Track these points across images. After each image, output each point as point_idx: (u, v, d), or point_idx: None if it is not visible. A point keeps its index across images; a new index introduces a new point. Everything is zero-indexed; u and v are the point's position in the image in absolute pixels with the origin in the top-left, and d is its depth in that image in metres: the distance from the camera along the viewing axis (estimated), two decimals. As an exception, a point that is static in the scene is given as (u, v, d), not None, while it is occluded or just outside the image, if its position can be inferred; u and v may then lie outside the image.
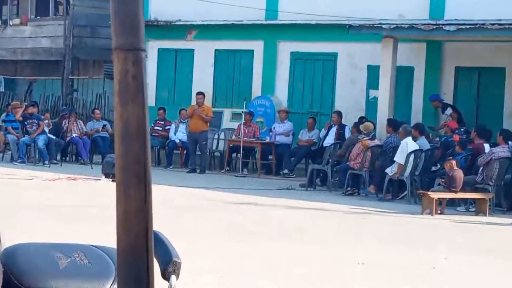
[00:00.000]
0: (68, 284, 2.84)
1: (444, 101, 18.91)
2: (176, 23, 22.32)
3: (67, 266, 2.89)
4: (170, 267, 2.88)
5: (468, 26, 17.41)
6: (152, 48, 22.90)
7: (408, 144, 16.14)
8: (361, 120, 18.56)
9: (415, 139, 16.74)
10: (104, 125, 22.08)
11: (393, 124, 17.33)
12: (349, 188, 16.90)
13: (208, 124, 20.38)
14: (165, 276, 2.89)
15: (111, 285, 2.86)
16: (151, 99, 23.00)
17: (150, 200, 1.65)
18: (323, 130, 19.56)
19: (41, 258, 2.91)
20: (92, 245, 3.07)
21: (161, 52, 22.89)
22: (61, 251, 2.97)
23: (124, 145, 1.61)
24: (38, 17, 28.29)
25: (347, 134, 18.75)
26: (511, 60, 18.75)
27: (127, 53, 1.63)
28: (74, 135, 21.40)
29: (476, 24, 17.43)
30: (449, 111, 18.60)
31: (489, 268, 9.35)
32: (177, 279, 2.90)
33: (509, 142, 15.76)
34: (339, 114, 19.48)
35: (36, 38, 28.01)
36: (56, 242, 3.18)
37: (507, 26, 17.04)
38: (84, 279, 2.88)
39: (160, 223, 10.12)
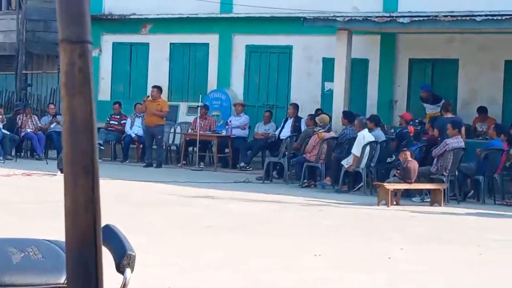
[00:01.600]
0: (22, 278, 2.83)
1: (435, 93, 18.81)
2: (131, 17, 22.21)
3: (21, 261, 2.88)
4: (124, 260, 2.88)
5: (421, 18, 17.55)
6: (107, 42, 22.78)
7: (365, 136, 16.24)
8: (317, 112, 18.64)
9: (371, 130, 16.86)
10: (55, 115, 21.79)
11: (348, 116, 17.43)
12: (305, 181, 16.97)
13: (164, 118, 20.32)
14: (120, 269, 2.90)
15: (66, 279, 2.85)
16: (106, 94, 22.89)
17: (97, 191, 1.66)
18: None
19: (-6, 254, 2.90)
20: (46, 240, 3.07)
21: (116, 46, 22.76)
22: (15, 246, 2.96)
23: (71, 137, 1.62)
24: (-10, 12, 27.98)
25: (303, 127, 18.81)
26: (464, 51, 18.97)
27: (74, 45, 1.63)
28: (28, 130, 21.20)
29: (429, 16, 17.58)
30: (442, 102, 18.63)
31: (444, 258, 9.45)
32: (132, 272, 2.91)
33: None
34: (295, 106, 19.54)
35: (-11, 33, 27.70)
36: (9, 237, 3.16)
37: (459, 18, 17.22)
38: (38, 273, 2.87)
39: (118, 218, 10.07)
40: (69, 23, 1.62)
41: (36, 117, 22.11)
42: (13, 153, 20.80)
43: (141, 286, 7.02)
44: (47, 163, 19.16)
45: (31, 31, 26.54)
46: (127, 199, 13.72)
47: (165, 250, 9.08)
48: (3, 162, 19.46)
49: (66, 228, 1.64)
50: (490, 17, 16.89)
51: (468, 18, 17.11)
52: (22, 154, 21.42)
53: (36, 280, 2.88)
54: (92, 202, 1.64)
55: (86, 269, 1.64)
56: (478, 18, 16.89)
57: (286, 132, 19.08)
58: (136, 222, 10.93)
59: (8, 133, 20.75)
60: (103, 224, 3.22)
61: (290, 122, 19.37)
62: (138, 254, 8.07)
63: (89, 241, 1.63)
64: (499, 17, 16.83)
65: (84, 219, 1.63)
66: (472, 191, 15.86)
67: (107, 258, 3.18)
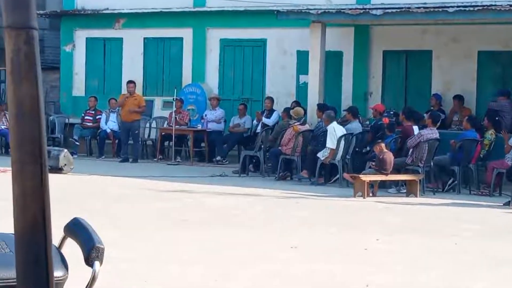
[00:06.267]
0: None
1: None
2: (104, 11, 22.12)
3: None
4: (93, 253, 2.87)
5: (394, 10, 17.60)
6: (80, 38, 22.69)
7: (336, 129, 16.28)
8: (292, 105, 18.67)
9: (347, 122, 16.92)
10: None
11: (323, 109, 17.43)
12: (282, 173, 16.98)
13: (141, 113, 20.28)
14: (89, 262, 2.89)
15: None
16: (80, 89, 22.81)
17: (46, 178, 1.64)
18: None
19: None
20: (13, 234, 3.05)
21: (89, 41, 22.66)
22: (-18, 242, 2.94)
23: (19, 124, 1.60)
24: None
25: (274, 119, 18.93)
26: (437, 42, 19.03)
27: (19, 31, 1.61)
28: (2, 127, 21.07)
29: (402, 8, 17.63)
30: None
31: (419, 248, 9.50)
32: (100, 264, 2.90)
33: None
34: (272, 100, 19.61)
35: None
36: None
37: (432, 9, 17.28)
38: (6, 267, 2.85)
39: (94, 213, 10.00)
40: (13, 9, 1.60)
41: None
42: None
43: (116, 281, 7.00)
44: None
45: None
46: (103, 194, 13.68)
47: (140, 245, 9.06)
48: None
49: (15, 215, 1.63)
50: (462, 8, 16.97)
51: (440, 9, 17.17)
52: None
53: (6, 274, 2.86)
54: (41, 190, 1.62)
55: (36, 256, 1.63)
56: (450, 9, 16.95)
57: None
58: (112, 217, 10.90)
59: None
60: (72, 217, 3.21)
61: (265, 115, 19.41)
62: (113, 249, 8.05)
63: (38, 228, 1.62)
64: (471, 8, 16.91)
65: (33, 206, 1.62)
66: (450, 181, 15.89)
67: (76, 252, 3.16)
